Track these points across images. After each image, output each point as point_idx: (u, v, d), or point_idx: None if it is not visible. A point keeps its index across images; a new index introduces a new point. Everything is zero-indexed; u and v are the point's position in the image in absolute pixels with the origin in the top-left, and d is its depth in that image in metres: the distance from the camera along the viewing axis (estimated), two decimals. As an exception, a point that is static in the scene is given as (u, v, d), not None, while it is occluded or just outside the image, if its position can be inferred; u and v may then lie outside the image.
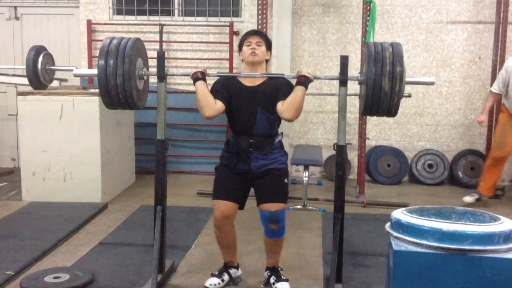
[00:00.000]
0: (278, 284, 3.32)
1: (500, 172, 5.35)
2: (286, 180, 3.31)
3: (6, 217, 4.75)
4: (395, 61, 2.93)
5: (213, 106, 3.13)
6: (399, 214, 2.48)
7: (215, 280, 3.36)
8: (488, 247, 2.24)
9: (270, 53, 3.33)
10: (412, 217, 2.41)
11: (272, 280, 3.37)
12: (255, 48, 3.20)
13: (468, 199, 5.24)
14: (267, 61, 3.32)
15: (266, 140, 3.24)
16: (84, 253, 3.94)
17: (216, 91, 3.20)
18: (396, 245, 2.36)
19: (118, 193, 5.63)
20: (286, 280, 3.36)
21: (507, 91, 5.13)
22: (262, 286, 3.44)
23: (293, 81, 3.20)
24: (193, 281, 3.50)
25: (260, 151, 3.23)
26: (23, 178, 5.26)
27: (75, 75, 3.54)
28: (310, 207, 5.19)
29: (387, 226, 2.51)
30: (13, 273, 3.49)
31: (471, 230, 2.26)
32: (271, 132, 3.26)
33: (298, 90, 3.10)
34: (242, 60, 3.30)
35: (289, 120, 3.18)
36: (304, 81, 3.11)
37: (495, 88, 5.22)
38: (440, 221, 2.33)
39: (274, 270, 3.41)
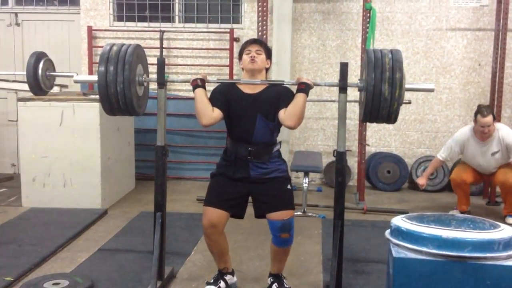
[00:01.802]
0: None
1: (467, 190, 5.20)
2: (289, 186, 3.27)
3: (5, 223, 4.75)
4: (394, 67, 2.94)
5: (211, 115, 3.12)
6: (399, 221, 2.48)
7: None
8: (488, 254, 2.24)
9: (270, 62, 3.32)
10: (412, 224, 2.41)
11: (274, 287, 3.34)
12: (254, 56, 3.19)
13: (453, 212, 5.23)
14: (267, 69, 3.31)
15: (265, 148, 3.20)
16: (83, 259, 3.94)
17: (214, 99, 3.18)
18: (396, 252, 2.37)
19: (118, 199, 5.63)
20: None
21: (466, 158, 5.19)
22: None
23: (293, 88, 3.20)
24: (193, 287, 3.49)
25: (258, 159, 3.18)
26: (23, 184, 5.25)
27: (75, 81, 3.55)
28: (310, 214, 5.19)
29: (387, 233, 2.52)
30: (12, 279, 3.49)
31: (471, 237, 2.26)
32: (270, 140, 3.23)
33: (299, 97, 3.09)
34: (243, 69, 3.29)
35: (292, 128, 3.14)
36: (305, 88, 3.11)
37: (442, 156, 5.21)
38: (439, 228, 2.34)
39: (277, 278, 3.38)
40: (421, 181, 5.27)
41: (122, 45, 3.19)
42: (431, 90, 3.34)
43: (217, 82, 3.38)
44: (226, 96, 3.19)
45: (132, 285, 3.48)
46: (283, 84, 3.29)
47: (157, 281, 3.26)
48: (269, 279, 3.41)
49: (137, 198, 5.75)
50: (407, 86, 3.05)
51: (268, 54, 3.30)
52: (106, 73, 3.07)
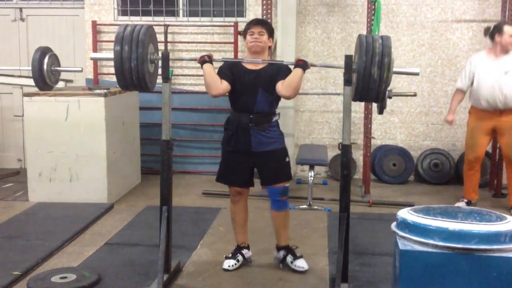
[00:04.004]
0: (297, 262, 3.64)
1: (479, 174, 5.32)
2: (287, 159, 3.64)
3: (12, 217, 4.78)
4: (384, 52, 3.11)
5: (219, 86, 3.42)
6: (405, 213, 2.48)
7: (231, 262, 3.64)
8: (495, 247, 2.23)
9: (272, 39, 3.60)
10: (418, 216, 2.41)
11: (289, 259, 3.66)
12: (257, 38, 3.47)
13: (459, 204, 5.22)
14: (270, 47, 3.59)
15: (265, 117, 3.52)
16: (90, 253, 3.96)
17: (222, 73, 3.48)
18: (402, 245, 2.36)
19: (124, 193, 5.64)
20: (301, 257, 3.68)
21: (473, 87, 5.16)
22: (280, 264, 3.70)
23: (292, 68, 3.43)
24: (199, 281, 3.51)
25: (258, 126, 3.49)
26: (29, 179, 5.27)
27: (92, 58, 3.73)
28: (315, 207, 5.19)
29: (393, 225, 2.51)
30: (20, 274, 3.51)
31: (477, 230, 2.26)
32: (269, 110, 3.55)
33: (297, 71, 3.36)
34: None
35: (287, 97, 3.49)
36: (302, 64, 3.36)
37: (461, 84, 5.23)
38: (446, 221, 2.33)
39: (289, 250, 3.70)
40: (449, 117, 5.31)
41: (135, 25, 3.34)
42: (416, 74, 3.53)
43: (222, 61, 3.60)
44: (232, 70, 3.50)
45: (138, 279, 3.49)
46: (283, 63, 3.57)
47: (163, 274, 3.27)
48: (281, 252, 3.70)
49: (143, 192, 5.76)
50: (394, 69, 3.24)
51: (270, 33, 3.57)
52: (121, 51, 3.24)
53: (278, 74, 3.43)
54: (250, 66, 3.52)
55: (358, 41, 3.21)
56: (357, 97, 3.29)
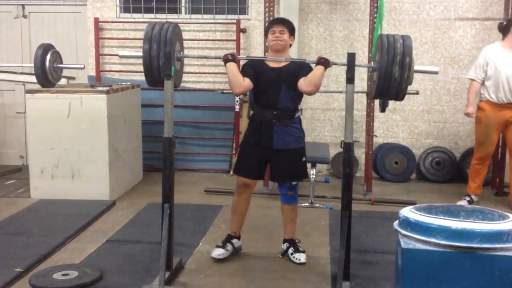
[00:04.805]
0: (296, 255, 3.74)
1: (487, 169, 5.35)
2: (304, 159, 3.75)
3: (14, 214, 4.78)
4: (405, 52, 3.20)
5: (242, 84, 3.50)
6: (407, 212, 2.48)
7: (220, 251, 3.74)
8: (497, 245, 2.23)
9: (294, 38, 3.70)
10: (421, 215, 2.41)
11: (290, 251, 3.77)
12: (278, 37, 3.57)
13: (461, 203, 5.21)
14: (290, 45, 3.69)
15: (288, 113, 3.62)
16: (92, 250, 3.96)
17: (245, 71, 3.58)
18: (405, 243, 2.37)
19: (126, 190, 5.64)
20: (303, 252, 3.77)
21: (489, 79, 5.07)
22: (280, 256, 3.81)
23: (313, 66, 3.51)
24: (201, 278, 3.51)
25: (282, 122, 3.59)
26: (31, 175, 5.28)
27: (121, 56, 3.82)
28: (317, 205, 5.19)
29: (395, 224, 2.51)
30: (21, 270, 3.52)
31: (480, 228, 2.26)
32: (292, 106, 3.66)
33: (318, 68, 3.43)
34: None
35: (308, 93, 3.56)
36: (324, 62, 3.44)
37: (473, 75, 5.15)
38: (448, 219, 2.33)
39: (292, 242, 3.82)
40: (469, 109, 5.22)
41: (163, 24, 3.45)
42: (435, 73, 3.70)
43: (246, 59, 3.72)
44: (255, 69, 3.60)
45: (140, 276, 3.50)
46: (305, 61, 3.63)
47: (165, 272, 3.28)
48: (285, 244, 3.84)
49: (145, 189, 5.77)
50: (414, 68, 3.35)
51: (291, 31, 3.67)
52: (150, 49, 3.35)
53: (300, 71, 3.52)
54: (272, 64, 3.60)
55: (380, 40, 3.29)
56: (377, 95, 3.43)
